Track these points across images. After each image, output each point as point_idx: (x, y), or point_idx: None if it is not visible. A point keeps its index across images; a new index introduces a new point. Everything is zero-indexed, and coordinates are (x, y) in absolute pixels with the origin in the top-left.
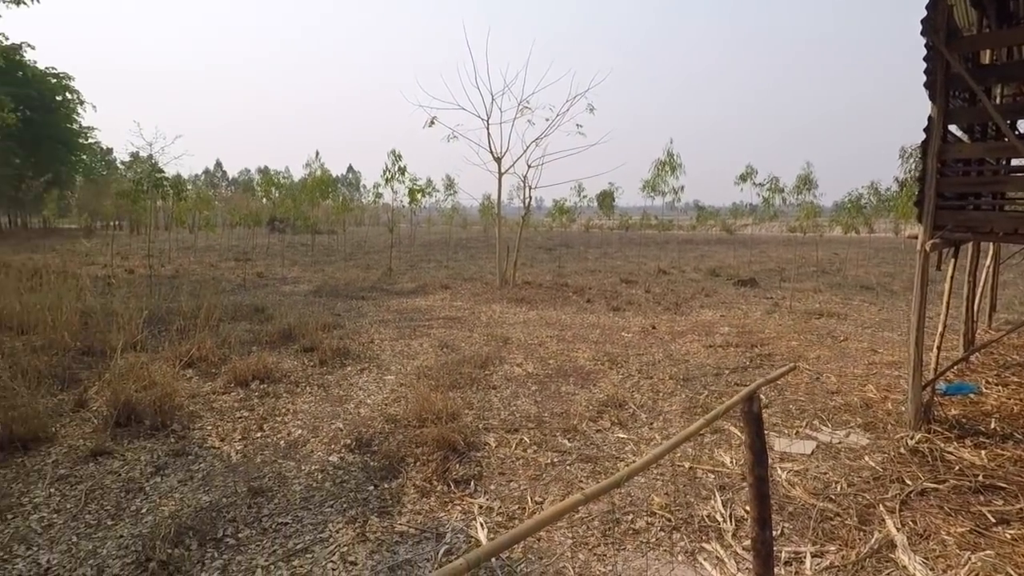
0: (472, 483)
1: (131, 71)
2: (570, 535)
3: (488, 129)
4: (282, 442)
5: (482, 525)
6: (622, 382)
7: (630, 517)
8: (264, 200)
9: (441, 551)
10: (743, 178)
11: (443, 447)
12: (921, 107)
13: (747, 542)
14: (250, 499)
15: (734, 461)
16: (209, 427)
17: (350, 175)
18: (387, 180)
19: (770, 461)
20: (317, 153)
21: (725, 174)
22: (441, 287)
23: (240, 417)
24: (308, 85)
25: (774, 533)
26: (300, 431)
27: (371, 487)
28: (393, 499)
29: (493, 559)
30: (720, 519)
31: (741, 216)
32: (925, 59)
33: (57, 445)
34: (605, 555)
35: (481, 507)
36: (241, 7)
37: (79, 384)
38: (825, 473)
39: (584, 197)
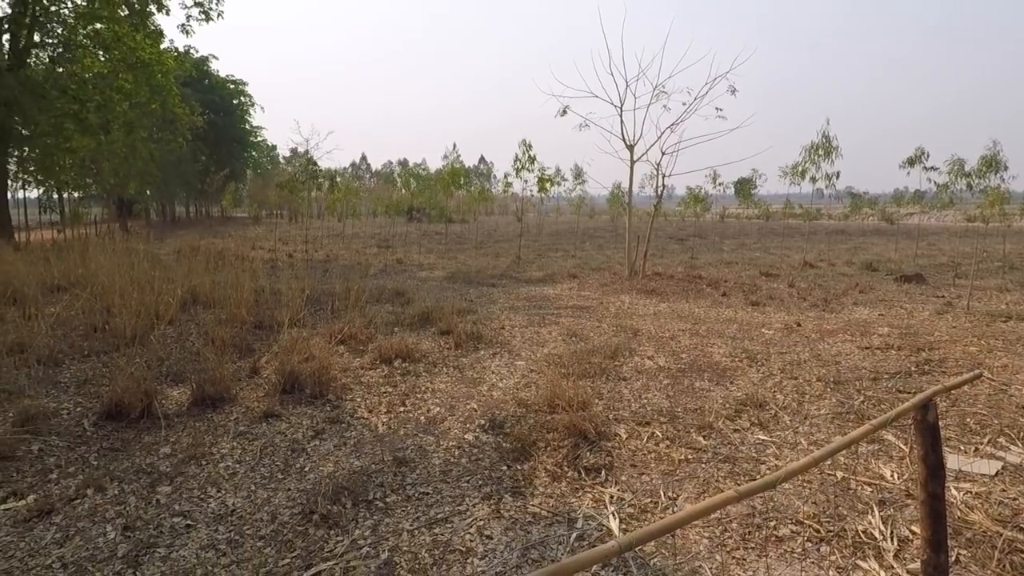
0: (603, 472)
1: (287, 75)
2: (706, 534)
3: (621, 116)
4: (422, 418)
5: (613, 515)
6: (762, 381)
7: (773, 523)
8: (403, 191)
9: (573, 536)
10: (911, 161)
11: (574, 434)
12: None
13: (912, 564)
14: (395, 468)
15: (897, 475)
16: (358, 399)
17: (482, 165)
18: (517, 170)
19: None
20: (454, 145)
21: (885, 158)
22: (569, 276)
23: (385, 392)
24: (443, 79)
25: (948, 558)
26: (438, 409)
27: (504, 467)
28: (525, 480)
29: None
30: (879, 536)
31: (905, 204)
32: None
33: (237, 405)
34: (745, 559)
35: (612, 497)
36: (371, 7)
37: (253, 353)
38: (1015, 499)
39: (720, 185)
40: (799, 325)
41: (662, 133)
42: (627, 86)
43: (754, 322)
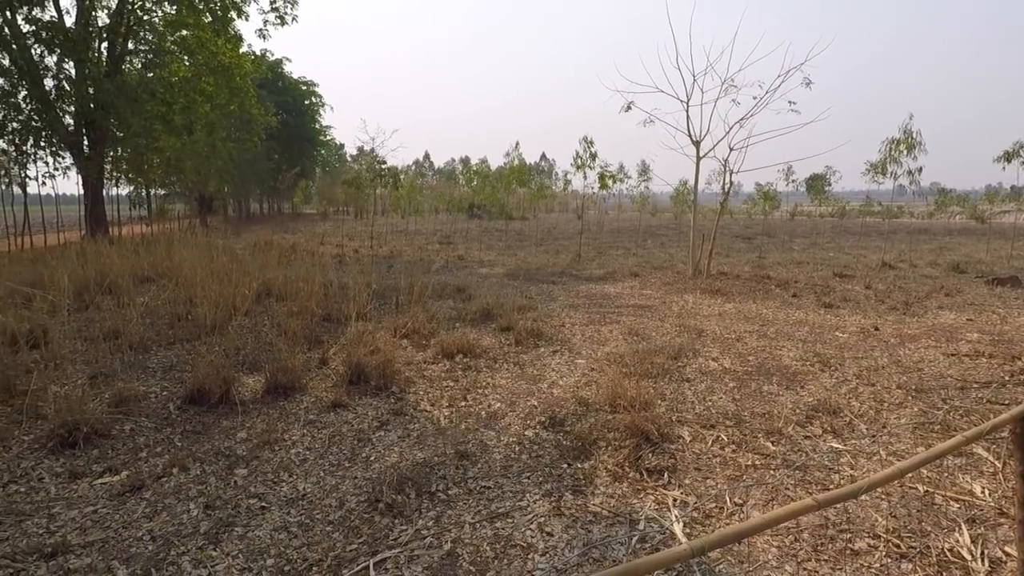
0: (665, 474)
1: (355, 75)
2: (775, 543)
3: (687, 111)
4: (483, 412)
5: (677, 518)
6: (836, 387)
7: (848, 535)
8: (465, 188)
9: (634, 538)
10: (1007, 156)
11: (636, 435)
12: None
13: None
14: (457, 461)
15: (988, 491)
16: (421, 392)
17: (543, 163)
18: (578, 167)
19: None
20: (516, 144)
21: (977, 151)
22: (630, 275)
23: (447, 386)
24: (506, 77)
25: None
26: (499, 404)
27: (564, 465)
28: (586, 479)
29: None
30: (968, 556)
31: (999, 201)
32: None
33: (307, 395)
34: (817, 572)
35: (675, 500)
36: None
37: (322, 345)
38: None
39: (793, 181)
40: (877, 329)
41: (730, 128)
42: (694, 80)
43: (827, 325)
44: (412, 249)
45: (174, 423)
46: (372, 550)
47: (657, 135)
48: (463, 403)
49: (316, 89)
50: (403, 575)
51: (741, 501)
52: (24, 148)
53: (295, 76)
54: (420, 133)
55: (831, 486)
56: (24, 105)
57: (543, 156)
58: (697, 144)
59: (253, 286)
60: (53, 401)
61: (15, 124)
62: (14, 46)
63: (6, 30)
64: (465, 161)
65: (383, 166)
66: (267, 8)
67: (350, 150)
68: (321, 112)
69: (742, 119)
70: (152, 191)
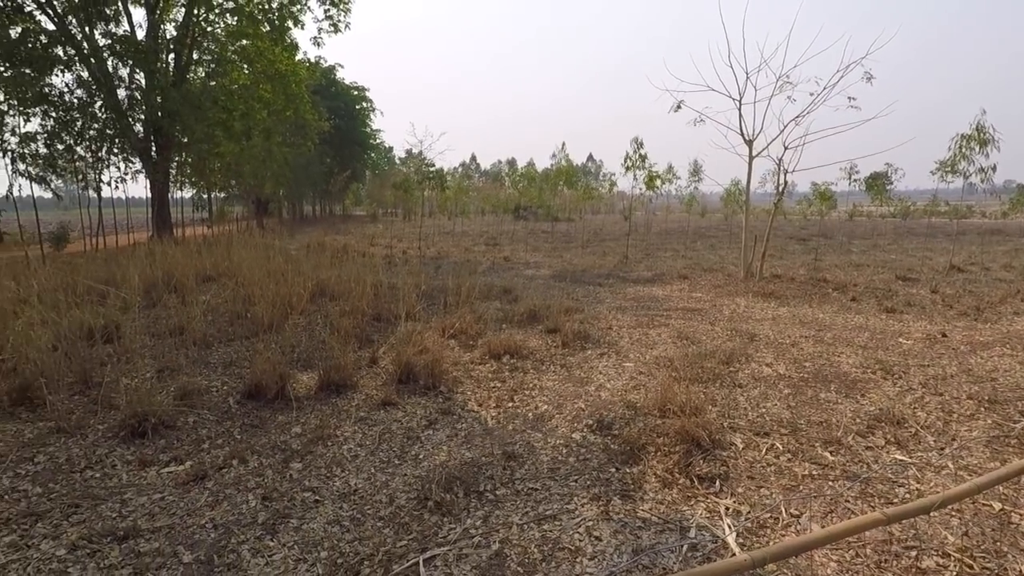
0: (717, 482)
1: (403, 80)
2: (834, 557)
3: (740, 110)
4: (530, 414)
5: (730, 527)
6: (900, 396)
7: (914, 553)
8: (511, 189)
9: (685, 545)
10: None
11: (686, 440)
12: None
13: None
14: (504, 462)
15: None
16: (468, 392)
17: (590, 163)
18: (627, 168)
19: None
20: (563, 145)
21: None
22: (679, 277)
23: (494, 387)
24: (555, 78)
25: None
26: (546, 406)
27: (612, 469)
28: (635, 484)
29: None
30: None
31: None
32: None
33: (358, 392)
34: None
35: (727, 508)
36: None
37: (372, 344)
38: None
39: (855, 181)
40: (944, 336)
41: (785, 126)
42: (747, 78)
43: (889, 330)
44: (458, 250)
45: (233, 416)
46: (421, 547)
47: (707, 134)
48: (510, 404)
49: (367, 94)
50: (452, 573)
51: (798, 512)
52: (99, 154)
53: (347, 82)
54: (467, 136)
55: (896, 500)
56: (100, 114)
57: (590, 157)
58: (750, 143)
59: (308, 286)
60: (124, 393)
61: (92, 132)
62: (92, 60)
63: (85, 45)
64: (511, 163)
65: (430, 168)
66: (321, 16)
67: (399, 153)
68: (371, 116)
69: (798, 116)
70: (212, 194)
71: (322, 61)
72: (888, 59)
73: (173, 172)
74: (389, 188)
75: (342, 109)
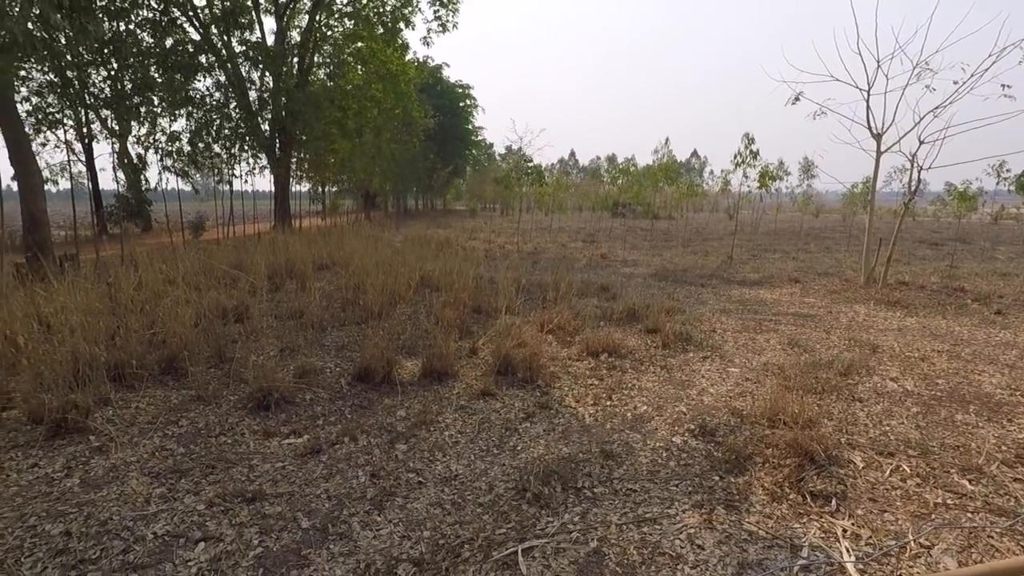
0: (833, 501)
1: (509, 78)
2: None
3: (868, 101)
4: (628, 414)
5: (848, 550)
6: None
7: None
8: (610, 186)
9: (797, 566)
10: None
11: (798, 453)
12: None
13: None
14: (602, 460)
15: None
16: (566, 388)
17: (694, 160)
18: (737, 165)
19: None
20: (667, 140)
21: None
22: (789, 280)
23: (591, 384)
24: (661, 72)
25: None
26: (645, 407)
27: (716, 477)
28: (740, 495)
29: None
30: None
31: None
32: None
33: (459, 381)
34: None
35: (845, 531)
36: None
37: (472, 336)
38: None
39: (1005, 179)
40: None
41: (921, 118)
42: (877, 66)
43: None
44: (556, 246)
45: (345, 396)
46: (520, 536)
47: (827, 128)
48: (608, 402)
49: (471, 92)
50: (550, 565)
51: (929, 543)
52: (232, 151)
53: (452, 80)
54: (567, 133)
55: None
56: (234, 114)
57: (694, 153)
58: (878, 137)
59: (413, 277)
60: (252, 369)
61: (226, 131)
62: (229, 65)
63: (223, 51)
64: (611, 159)
65: (529, 164)
66: (431, 17)
67: (499, 149)
68: (474, 113)
69: (937, 107)
70: (326, 188)
71: (430, 60)
72: None
73: (293, 167)
74: (489, 183)
75: (446, 106)
